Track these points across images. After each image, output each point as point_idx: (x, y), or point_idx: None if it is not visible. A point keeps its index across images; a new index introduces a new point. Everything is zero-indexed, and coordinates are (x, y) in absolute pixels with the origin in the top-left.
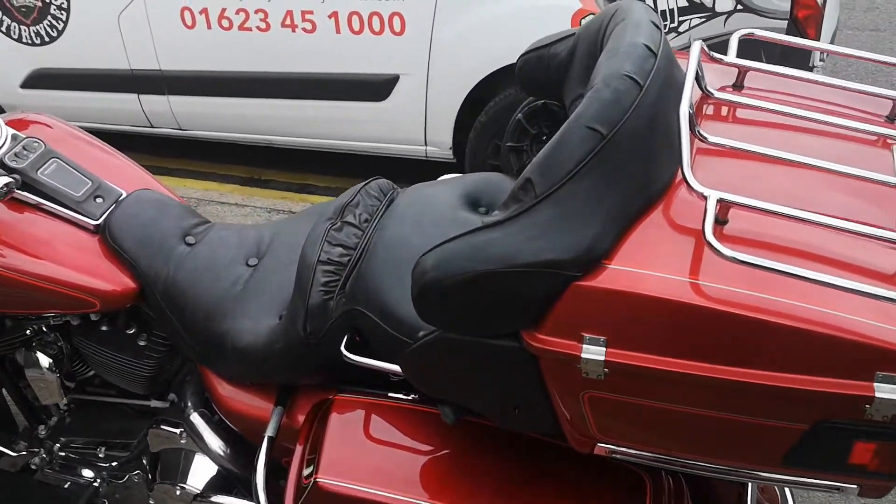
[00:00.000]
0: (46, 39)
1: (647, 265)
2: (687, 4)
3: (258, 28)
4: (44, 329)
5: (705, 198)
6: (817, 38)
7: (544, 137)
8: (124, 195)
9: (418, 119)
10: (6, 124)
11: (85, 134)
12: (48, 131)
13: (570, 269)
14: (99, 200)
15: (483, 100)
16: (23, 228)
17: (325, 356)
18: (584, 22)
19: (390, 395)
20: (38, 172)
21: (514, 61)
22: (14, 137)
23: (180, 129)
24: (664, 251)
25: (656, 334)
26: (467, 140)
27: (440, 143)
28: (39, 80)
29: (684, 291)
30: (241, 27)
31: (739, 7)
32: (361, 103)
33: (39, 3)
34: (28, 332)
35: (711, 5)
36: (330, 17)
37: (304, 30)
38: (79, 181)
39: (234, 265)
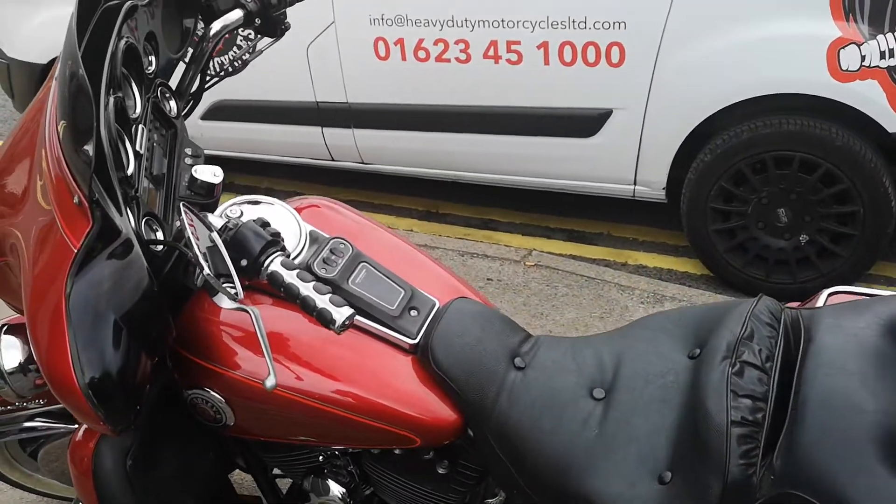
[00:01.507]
0: (230, 70)
1: None
2: None
3: (457, 59)
4: (336, 453)
5: None
6: None
7: None
8: (437, 305)
9: (629, 157)
10: (288, 205)
11: (369, 220)
12: (341, 222)
13: None
14: (413, 313)
15: (704, 135)
16: (333, 349)
17: None
18: (843, 54)
19: None
20: (350, 282)
21: (754, 95)
22: (314, 237)
23: (363, 163)
24: None
25: None
26: (684, 180)
27: (652, 183)
28: (220, 111)
29: None
30: (438, 58)
31: None
32: (566, 139)
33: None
34: (320, 458)
35: None
36: (539, 47)
37: (508, 61)
38: (391, 290)
39: (578, 398)
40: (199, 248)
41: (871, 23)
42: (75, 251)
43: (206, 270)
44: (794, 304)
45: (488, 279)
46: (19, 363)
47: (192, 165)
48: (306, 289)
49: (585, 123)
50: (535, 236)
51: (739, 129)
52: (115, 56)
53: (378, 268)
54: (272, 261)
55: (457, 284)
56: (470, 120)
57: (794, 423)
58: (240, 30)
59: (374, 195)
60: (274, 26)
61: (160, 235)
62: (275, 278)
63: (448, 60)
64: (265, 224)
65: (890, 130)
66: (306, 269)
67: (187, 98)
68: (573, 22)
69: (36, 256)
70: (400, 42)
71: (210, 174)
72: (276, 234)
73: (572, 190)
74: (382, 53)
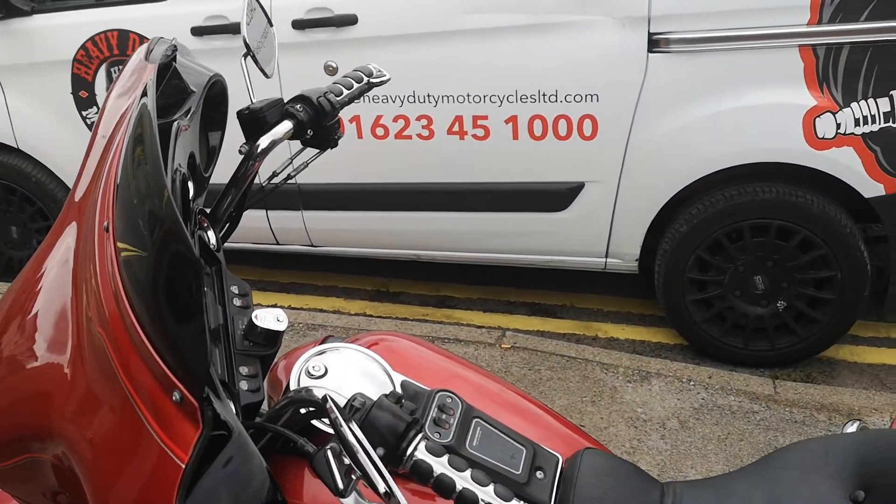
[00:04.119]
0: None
1: None
2: None
3: (419, 136)
4: None
5: None
6: None
7: None
8: (561, 461)
9: (601, 230)
10: (366, 348)
11: (449, 354)
12: (425, 364)
13: None
14: (540, 475)
15: (676, 205)
16: None
17: None
18: (819, 122)
19: None
20: (468, 446)
21: (732, 165)
22: (409, 390)
23: (312, 246)
24: None
25: None
26: (657, 251)
27: (625, 255)
28: None
29: None
30: (398, 135)
31: None
32: (535, 214)
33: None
34: None
35: None
36: (507, 121)
37: (474, 136)
38: (512, 450)
39: None
40: (363, 452)
41: (845, 90)
42: (183, 466)
43: (392, 492)
44: None
45: None
46: None
47: (242, 308)
48: (463, 480)
49: (556, 198)
50: (497, 312)
51: (715, 199)
52: (173, 196)
53: (491, 422)
54: (416, 446)
55: (567, 430)
56: (433, 198)
57: None
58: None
59: (318, 276)
60: (327, 137)
61: (232, 408)
62: (421, 469)
63: (409, 137)
64: (399, 398)
65: (866, 196)
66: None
67: (223, 223)
68: (543, 95)
69: (112, 467)
70: (355, 119)
71: (273, 320)
72: (414, 410)
73: (541, 265)
74: None
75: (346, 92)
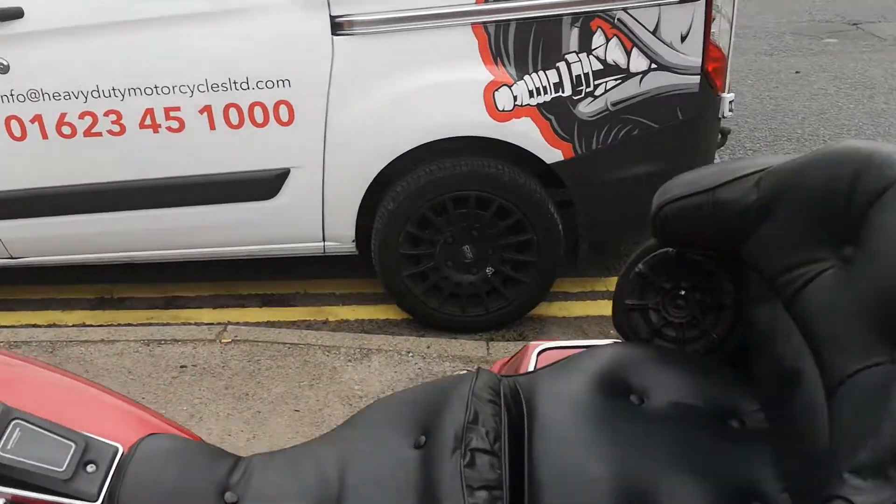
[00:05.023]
0: None
1: None
2: (601, 67)
3: (110, 132)
4: None
5: None
6: (723, 88)
7: (682, 293)
8: (121, 451)
9: (314, 214)
10: None
11: (10, 355)
12: None
13: None
14: (91, 468)
15: (386, 183)
16: None
17: None
18: (498, 95)
19: None
20: (2, 451)
21: (425, 142)
22: None
23: (12, 259)
24: None
25: None
26: (372, 230)
27: (341, 238)
28: None
29: None
30: (87, 133)
31: (654, 66)
32: (244, 204)
33: None
34: None
35: (626, 66)
36: (202, 111)
37: (169, 129)
38: (58, 447)
39: None
40: None
41: (518, 65)
42: None
43: None
44: (502, 361)
45: (182, 367)
46: None
47: None
48: None
49: (263, 186)
50: (228, 307)
51: (417, 175)
52: None
53: (36, 422)
54: None
55: (144, 417)
56: (135, 196)
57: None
58: None
59: (30, 289)
60: None
61: None
62: None
63: (99, 134)
64: None
65: (548, 162)
66: None
67: None
68: (234, 83)
69: None
70: (37, 119)
71: None
72: None
73: (261, 255)
74: (18, 133)
75: None
